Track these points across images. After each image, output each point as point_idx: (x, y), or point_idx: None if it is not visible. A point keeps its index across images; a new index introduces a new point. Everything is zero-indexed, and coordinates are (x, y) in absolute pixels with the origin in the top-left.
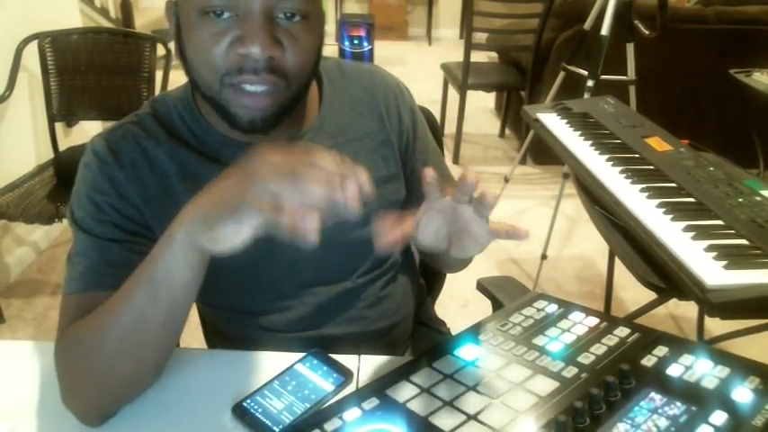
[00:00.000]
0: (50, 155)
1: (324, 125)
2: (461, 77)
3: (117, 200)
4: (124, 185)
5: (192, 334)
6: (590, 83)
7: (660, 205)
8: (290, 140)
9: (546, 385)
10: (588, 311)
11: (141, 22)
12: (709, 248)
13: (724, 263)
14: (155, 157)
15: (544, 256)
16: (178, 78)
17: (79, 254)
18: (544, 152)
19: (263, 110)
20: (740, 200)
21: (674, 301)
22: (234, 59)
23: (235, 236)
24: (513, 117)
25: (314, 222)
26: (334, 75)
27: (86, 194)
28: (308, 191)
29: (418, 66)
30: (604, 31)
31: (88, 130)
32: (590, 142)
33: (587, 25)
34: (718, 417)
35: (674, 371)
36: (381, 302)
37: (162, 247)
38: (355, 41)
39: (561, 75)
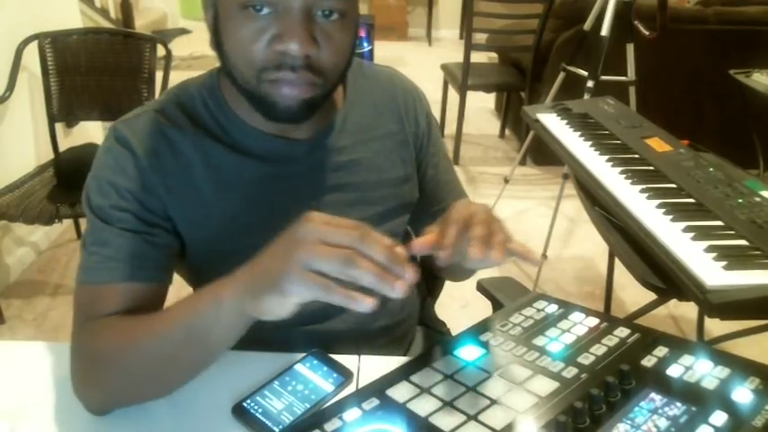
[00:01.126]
0: (50, 155)
1: (347, 123)
2: (461, 78)
3: (138, 189)
4: (147, 174)
5: None
6: (590, 83)
7: (660, 206)
8: (314, 136)
9: (546, 385)
10: (588, 312)
11: (141, 23)
12: (709, 249)
13: (724, 263)
14: (178, 146)
15: (544, 257)
16: (178, 78)
17: (95, 243)
18: (544, 153)
19: (300, 99)
20: (740, 200)
21: (673, 302)
22: (272, 56)
23: (281, 307)
24: (513, 118)
25: (368, 298)
26: (356, 74)
27: (107, 181)
28: (356, 278)
29: (418, 66)
30: (604, 31)
31: (88, 130)
32: (590, 143)
33: (587, 26)
34: (718, 417)
35: (674, 371)
36: (386, 301)
37: (207, 303)
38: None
39: (561, 75)
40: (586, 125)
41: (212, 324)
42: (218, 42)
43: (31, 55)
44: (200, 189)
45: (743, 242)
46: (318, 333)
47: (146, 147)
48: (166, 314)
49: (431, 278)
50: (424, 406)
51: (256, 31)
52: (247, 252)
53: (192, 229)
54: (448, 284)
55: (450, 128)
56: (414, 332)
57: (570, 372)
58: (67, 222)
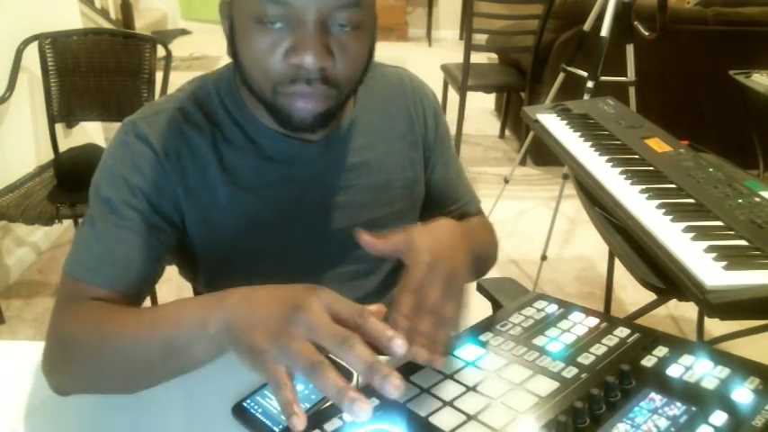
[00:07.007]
0: (51, 156)
1: (358, 124)
2: (461, 78)
3: (151, 189)
4: (165, 175)
5: None
6: (590, 84)
7: (660, 206)
8: (326, 137)
9: (546, 385)
10: (588, 312)
11: (141, 24)
12: (709, 249)
13: (724, 263)
14: (197, 147)
15: (544, 258)
16: (178, 79)
17: (93, 235)
18: (544, 153)
19: (315, 113)
20: (740, 201)
21: (673, 302)
22: (287, 70)
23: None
24: (512, 118)
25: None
26: (368, 75)
27: (120, 175)
28: (321, 388)
29: (418, 67)
30: (604, 32)
31: (88, 130)
32: (590, 143)
33: (587, 26)
34: (718, 417)
35: (674, 371)
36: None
37: (192, 322)
38: None
39: (561, 76)
40: (586, 125)
41: (193, 343)
42: (234, 53)
43: (32, 55)
44: (216, 190)
45: (743, 242)
46: None
47: (167, 146)
48: (149, 317)
49: None
50: (424, 406)
51: (271, 45)
52: (259, 253)
53: (207, 230)
54: None
55: (450, 128)
56: None
57: (570, 372)
58: (67, 223)
